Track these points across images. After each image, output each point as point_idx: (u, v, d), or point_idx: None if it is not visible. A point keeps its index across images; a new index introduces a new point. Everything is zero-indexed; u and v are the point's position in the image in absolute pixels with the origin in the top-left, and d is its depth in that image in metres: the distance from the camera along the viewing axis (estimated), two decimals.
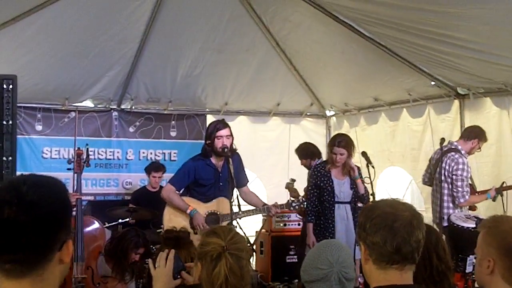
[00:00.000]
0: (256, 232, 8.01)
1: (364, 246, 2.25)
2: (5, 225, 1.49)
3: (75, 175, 5.50)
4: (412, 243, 2.16)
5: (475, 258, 2.70)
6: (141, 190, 8.33)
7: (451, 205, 6.36)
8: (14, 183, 1.56)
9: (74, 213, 5.23)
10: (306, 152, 7.80)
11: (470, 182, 6.56)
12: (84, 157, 5.62)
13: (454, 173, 6.30)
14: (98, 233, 5.35)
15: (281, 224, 8.13)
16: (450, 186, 6.35)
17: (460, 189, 6.30)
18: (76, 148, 5.79)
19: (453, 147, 6.45)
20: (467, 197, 6.33)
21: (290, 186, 7.92)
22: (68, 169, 5.60)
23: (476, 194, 6.61)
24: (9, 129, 3.41)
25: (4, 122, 3.40)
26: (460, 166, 6.31)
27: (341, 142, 6.22)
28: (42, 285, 1.56)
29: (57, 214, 1.57)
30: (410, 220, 2.19)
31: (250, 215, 6.08)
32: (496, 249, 2.44)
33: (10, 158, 3.42)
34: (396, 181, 8.89)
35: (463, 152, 6.41)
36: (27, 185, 1.54)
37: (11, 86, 3.42)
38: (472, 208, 6.69)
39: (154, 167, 8.23)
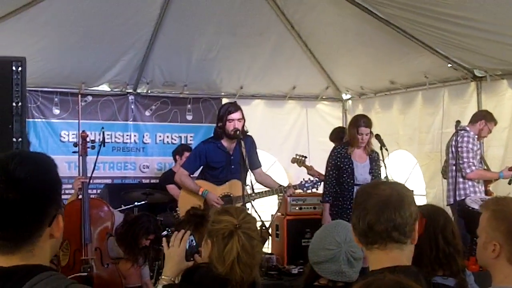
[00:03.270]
0: (272, 215, 8.01)
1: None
2: None
3: (80, 158, 5.53)
4: (383, 221, 2.14)
5: None
6: (169, 172, 8.25)
7: (460, 180, 6.34)
8: (1, 161, 1.57)
9: (80, 196, 5.28)
10: (341, 136, 7.72)
11: (482, 164, 6.55)
12: (90, 140, 5.64)
13: (459, 145, 6.32)
14: (105, 215, 5.38)
15: (297, 208, 8.10)
16: (458, 161, 6.36)
17: (465, 159, 6.32)
18: (81, 131, 5.81)
19: (463, 128, 6.46)
20: (473, 168, 6.35)
21: (298, 160, 7.88)
22: (74, 152, 5.64)
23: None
24: (19, 111, 3.46)
25: (14, 104, 3.45)
26: (465, 139, 6.35)
27: (365, 121, 6.33)
28: (33, 260, 1.58)
29: (45, 190, 1.59)
30: (386, 198, 2.17)
31: (263, 196, 6.10)
32: (504, 234, 2.41)
33: (20, 139, 3.47)
34: (401, 164, 8.86)
35: (471, 133, 6.42)
36: (14, 162, 1.56)
37: (20, 68, 3.46)
38: (489, 193, 6.67)
39: (186, 148, 8.13)
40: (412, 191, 7.44)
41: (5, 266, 1.55)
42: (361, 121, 6.32)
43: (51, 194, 1.62)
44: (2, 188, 1.51)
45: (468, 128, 6.52)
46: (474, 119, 6.64)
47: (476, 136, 6.50)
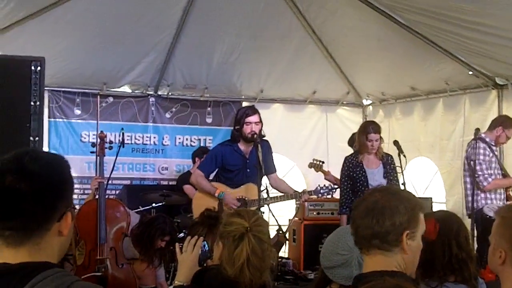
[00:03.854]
0: (289, 220, 8.00)
1: None
2: (6, 192, 1.57)
3: (98, 158, 5.56)
4: (363, 228, 2.19)
5: None
6: (186, 173, 8.26)
7: (473, 191, 6.28)
8: (17, 154, 1.64)
9: (96, 196, 5.31)
10: None
11: (501, 170, 6.48)
12: (109, 140, 5.68)
13: (472, 158, 6.25)
14: (120, 215, 5.40)
15: (314, 213, 8.08)
16: (471, 173, 6.30)
17: (480, 172, 6.24)
18: (99, 132, 5.86)
19: (478, 137, 6.39)
20: (490, 179, 6.27)
21: (316, 165, 7.85)
22: (92, 152, 5.68)
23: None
24: (36, 110, 3.52)
25: (32, 103, 3.51)
26: (477, 151, 6.25)
27: (374, 127, 6.27)
28: (40, 254, 1.61)
29: (56, 185, 1.64)
30: (370, 205, 2.20)
31: (278, 201, 6.10)
32: (508, 241, 2.39)
33: (37, 138, 3.53)
34: (422, 172, 8.81)
35: (488, 140, 6.35)
36: (29, 156, 1.63)
37: (39, 68, 3.51)
38: (510, 197, 6.60)
39: (206, 150, 7.99)
40: (430, 198, 7.38)
41: (12, 262, 1.58)
42: (370, 127, 6.29)
43: (62, 190, 1.67)
44: (15, 178, 1.57)
45: (483, 136, 6.44)
46: (492, 126, 6.57)
47: (493, 142, 6.42)
